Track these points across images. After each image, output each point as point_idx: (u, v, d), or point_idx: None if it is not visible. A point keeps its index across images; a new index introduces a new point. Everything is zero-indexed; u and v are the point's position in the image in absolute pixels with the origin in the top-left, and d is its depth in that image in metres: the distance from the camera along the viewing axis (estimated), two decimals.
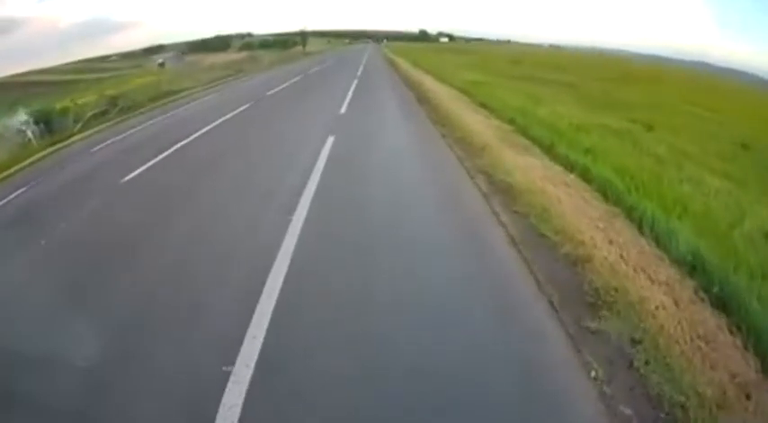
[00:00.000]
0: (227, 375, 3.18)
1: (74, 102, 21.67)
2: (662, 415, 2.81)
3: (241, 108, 16.44)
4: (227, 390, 3.07)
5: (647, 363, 3.17)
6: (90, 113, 19.44)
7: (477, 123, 11.47)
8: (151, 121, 16.45)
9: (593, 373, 3.11)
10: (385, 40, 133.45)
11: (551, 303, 3.88)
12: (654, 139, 12.36)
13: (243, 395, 3.03)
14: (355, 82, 22.76)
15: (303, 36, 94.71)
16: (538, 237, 5.08)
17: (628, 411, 2.84)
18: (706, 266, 4.38)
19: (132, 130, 14.80)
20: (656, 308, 3.74)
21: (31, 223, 7.33)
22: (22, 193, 9.48)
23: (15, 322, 4.32)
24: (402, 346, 3.50)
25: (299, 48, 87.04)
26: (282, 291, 4.24)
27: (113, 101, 21.94)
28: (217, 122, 13.97)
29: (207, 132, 12.70)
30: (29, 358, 3.58)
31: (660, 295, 3.94)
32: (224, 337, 3.66)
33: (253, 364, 3.31)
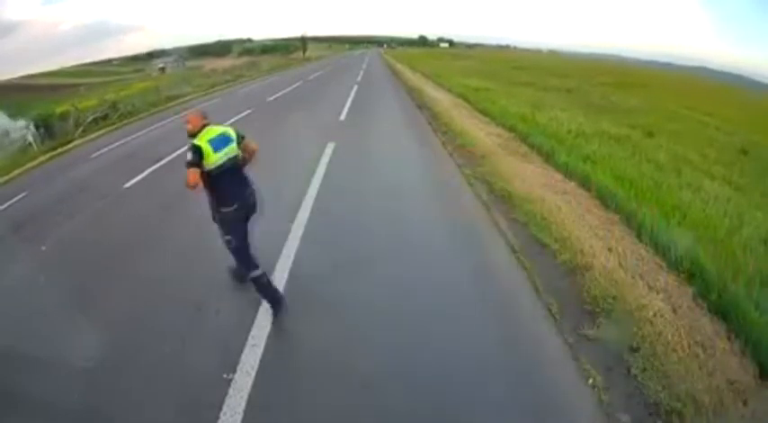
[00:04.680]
0: None
1: (74, 106, 21.69)
2: (659, 422, 2.84)
3: (242, 114, 16.46)
4: None
5: (644, 370, 3.20)
6: (91, 118, 19.46)
7: (478, 130, 11.51)
8: (152, 126, 16.48)
9: (590, 381, 3.14)
10: (385, 46, 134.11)
11: (550, 311, 3.92)
12: (653, 145, 12.40)
13: None
14: (355, 88, 22.81)
15: (303, 41, 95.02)
16: (537, 245, 5.12)
17: (625, 418, 2.86)
18: (704, 273, 4.42)
19: (133, 135, 14.84)
20: (654, 315, 3.77)
21: (32, 226, 7.36)
22: (23, 197, 9.52)
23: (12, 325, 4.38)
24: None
25: (300, 53, 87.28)
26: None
27: (114, 105, 21.99)
28: None
29: None
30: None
31: (658, 302, 3.97)
32: None
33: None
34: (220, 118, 15.02)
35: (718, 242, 5.35)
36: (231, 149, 3.98)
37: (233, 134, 4.08)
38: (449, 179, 7.84)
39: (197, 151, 3.69)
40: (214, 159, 3.78)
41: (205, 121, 3.99)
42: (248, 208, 4.06)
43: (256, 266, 3.99)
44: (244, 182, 4.14)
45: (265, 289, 4.06)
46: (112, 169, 10.38)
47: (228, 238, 3.95)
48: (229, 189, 3.96)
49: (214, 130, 3.94)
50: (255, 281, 4.00)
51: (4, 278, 5.51)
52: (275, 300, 4.07)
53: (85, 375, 3.44)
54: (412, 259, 5.04)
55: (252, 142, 4.28)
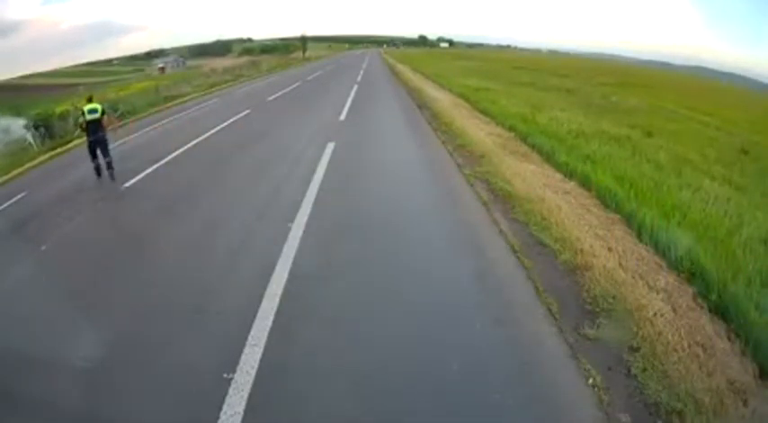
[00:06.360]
0: None
1: (74, 106, 21.59)
2: (659, 422, 2.83)
3: (241, 114, 16.49)
4: None
5: (644, 370, 3.19)
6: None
7: (478, 130, 11.51)
8: (150, 127, 16.45)
9: (590, 381, 3.13)
10: (384, 45, 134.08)
11: (550, 311, 3.91)
12: (653, 145, 12.39)
13: None
14: (355, 88, 22.83)
15: (303, 41, 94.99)
16: (537, 245, 5.12)
17: (625, 419, 2.86)
18: (704, 273, 4.42)
19: (131, 136, 14.77)
20: (655, 315, 3.77)
21: (31, 226, 7.35)
22: (23, 197, 9.49)
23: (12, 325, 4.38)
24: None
25: (299, 53, 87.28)
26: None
27: (113, 106, 21.91)
28: (218, 127, 14.10)
29: (208, 138, 12.79)
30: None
31: (659, 302, 3.97)
32: None
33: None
34: (219, 119, 15.10)
35: (719, 242, 5.34)
36: (96, 117, 9.21)
37: (99, 109, 9.32)
38: (449, 179, 7.84)
39: (82, 112, 9.36)
40: (88, 118, 9.18)
41: (90, 100, 9.59)
42: (97, 141, 9.21)
43: (95, 158, 9.32)
44: (99, 130, 9.23)
45: (97, 170, 9.41)
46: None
47: (90, 155, 9.32)
48: (91, 132, 9.22)
49: (92, 105, 9.33)
50: (95, 167, 9.39)
51: (4, 278, 5.49)
52: (98, 174, 9.43)
53: (84, 373, 3.43)
54: (412, 260, 5.05)
55: (110, 116, 10.42)
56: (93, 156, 9.33)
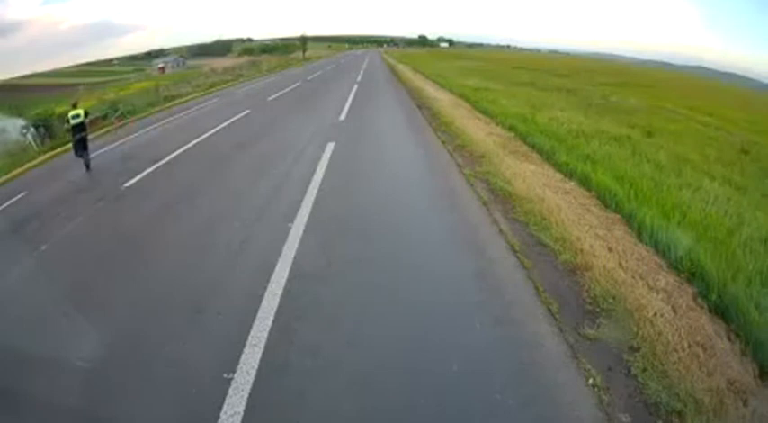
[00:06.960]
0: None
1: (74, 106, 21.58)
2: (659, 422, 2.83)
3: (241, 114, 16.49)
4: None
5: (644, 370, 3.20)
6: (90, 118, 19.33)
7: (478, 130, 11.51)
8: (150, 127, 16.45)
9: (590, 381, 3.13)
10: (384, 45, 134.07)
11: (550, 311, 3.91)
12: (653, 145, 12.37)
13: None
14: (355, 88, 22.82)
15: (303, 41, 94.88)
16: (537, 245, 5.12)
17: (625, 418, 2.86)
18: (705, 273, 4.41)
19: (131, 136, 14.81)
20: (655, 315, 3.77)
21: (31, 226, 7.36)
22: (23, 197, 9.50)
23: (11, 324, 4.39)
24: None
25: (299, 53, 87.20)
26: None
27: (113, 106, 21.90)
28: (218, 127, 14.11)
29: (208, 138, 12.79)
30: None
31: (659, 302, 3.97)
32: None
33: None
34: (219, 119, 15.10)
35: (719, 242, 5.33)
36: (79, 121, 11.00)
37: (82, 114, 11.18)
38: (449, 178, 7.83)
39: (67, 118, 11.21)
40: (72, 123, 11.00)
41: (75, 106, 11.57)
42: (82, 141, 10.96)
43: (77, 155, 11.08)
44: (82, 132, 11.02)
45: (86, 164, 10.85)
46: (111, 169, 10.37)
47: (72, 149, 11.36)
48: (76, 133, 10.98)
49: (75, 111, 11.17)
50: (84, 162, 10.89)
51: (4, 278, 5.49)
52: (88, 167, 10.88)
53: (84, 372, 3.44)
54: (412, 260, 5.04)
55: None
56: (77, 152, 11.14)
